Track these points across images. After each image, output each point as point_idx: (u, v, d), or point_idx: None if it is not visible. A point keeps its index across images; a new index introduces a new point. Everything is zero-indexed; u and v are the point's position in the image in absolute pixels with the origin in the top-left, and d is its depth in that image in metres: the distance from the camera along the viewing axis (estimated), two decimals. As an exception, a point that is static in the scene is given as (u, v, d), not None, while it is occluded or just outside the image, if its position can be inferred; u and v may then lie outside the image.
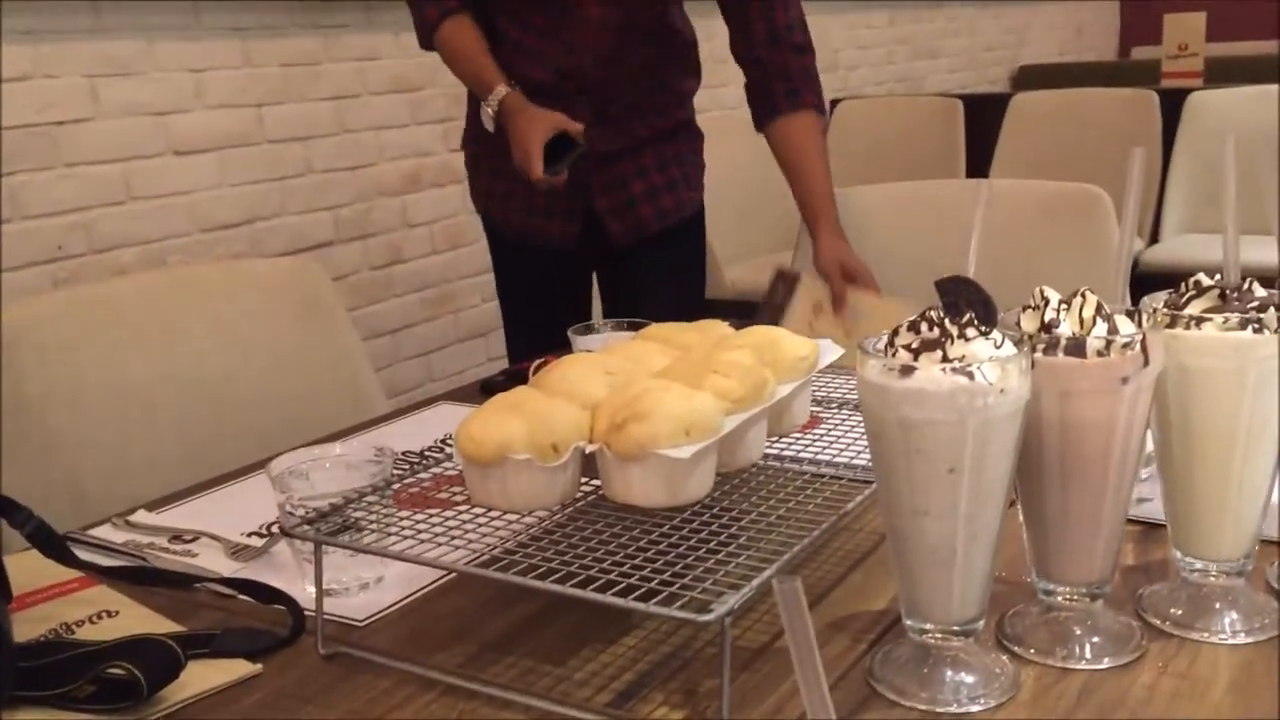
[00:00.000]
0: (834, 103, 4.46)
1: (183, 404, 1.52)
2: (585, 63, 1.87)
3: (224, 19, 2.58)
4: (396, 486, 0.96)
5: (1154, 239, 3.80)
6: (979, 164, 4.08)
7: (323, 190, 2.82)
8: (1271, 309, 0.79)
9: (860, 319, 1.71)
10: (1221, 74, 4.31)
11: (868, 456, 0.80)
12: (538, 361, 1.53)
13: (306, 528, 0.87)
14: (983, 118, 4.14)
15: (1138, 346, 0.76)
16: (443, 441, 1.35)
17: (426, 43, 1.99)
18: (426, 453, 1.31)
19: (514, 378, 1.54)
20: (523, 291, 2.09)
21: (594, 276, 2.12)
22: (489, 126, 1.87)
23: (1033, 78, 5.69)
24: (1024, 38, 6.05)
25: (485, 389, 1.54)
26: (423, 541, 0.84)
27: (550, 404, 0.87)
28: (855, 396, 1.19)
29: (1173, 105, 3.85)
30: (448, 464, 1.00)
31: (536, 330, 1.99)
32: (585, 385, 0.91)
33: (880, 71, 4.93)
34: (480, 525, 0.88)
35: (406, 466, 1.24)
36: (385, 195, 2.97)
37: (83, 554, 1.05)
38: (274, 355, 1.63)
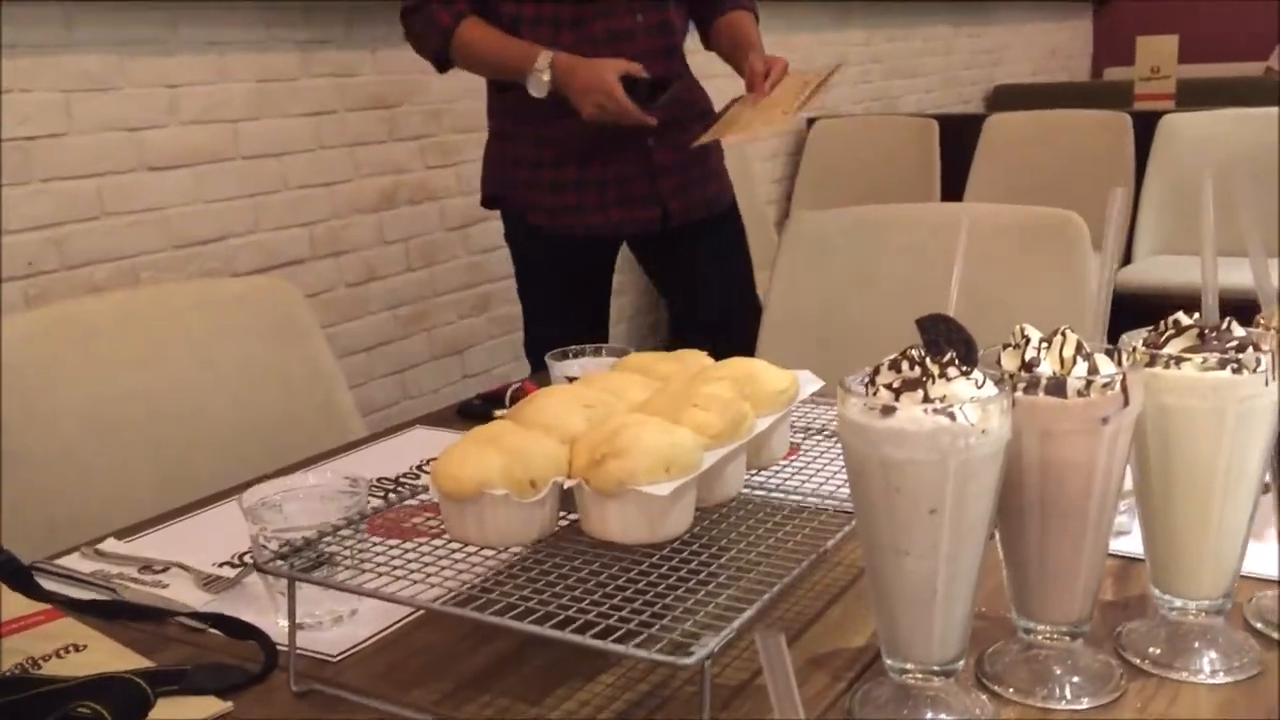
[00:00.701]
0: (810, 121, 4.48)
1: (155, 424, 1.50)
2: (637, 26, 2.03)
3: (200, 34, 2.56)
4: (371, 515, 0.95)
5: (1126, 260, 3.83)
6: (954, 184, 4.11)
7: (297, 207, 2.80)
8: (1250, 348, 0.80)
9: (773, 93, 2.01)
10: (1194, 96, 4.35)
11: (846, 486, 0.79)
12: (514, 385, 1.54)
13: (280, 563, 0.86)
14: (958, 138, 4.16)
15: (1118, 386, 0.76)
16: (418, 468, 1.33)
17: (442, 52, 2.06)
18: (402, 479, 1.30)
19: (491, 401, 1.53)
20: (559, 290, 2.21)
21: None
22: (540, 92, 1.97)
23: (1007, 98, 5.72)
24: (999, 58, 6.09)
25: (462, 413, 1.53)
26: (398, 579, 0.83)
27: (528, 439, 0.86)
28: (834, 424, 1.19)
29: (1146, 127, 3.89)
30: (423, 495, 0.98)
31: (568, 324, 2.15)
32: (563, 418, 0.90)
33: (857, 91, 4.95)
34: (456, 559, 0.87)
35: (381, 494, 1.24)
36: (361, 212, 2.95)
37: (50, 585, 1.04)
38: (248, 374, 1.61)
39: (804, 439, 1.16)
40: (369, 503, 0.98)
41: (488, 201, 2.27)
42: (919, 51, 5.40)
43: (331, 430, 1.61)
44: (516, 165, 2.15)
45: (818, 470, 1.04)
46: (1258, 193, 3.32)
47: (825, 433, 1.20)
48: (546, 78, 1.96)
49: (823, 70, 2.07)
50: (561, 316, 2.19)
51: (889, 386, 0.74)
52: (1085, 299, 1.77)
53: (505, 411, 1.46)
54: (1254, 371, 0.79)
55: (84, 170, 2.38)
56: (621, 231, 2.16)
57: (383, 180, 3.00)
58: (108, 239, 2.42)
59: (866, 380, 0.76)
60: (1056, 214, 1.88)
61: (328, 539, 0.89)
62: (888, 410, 0.72)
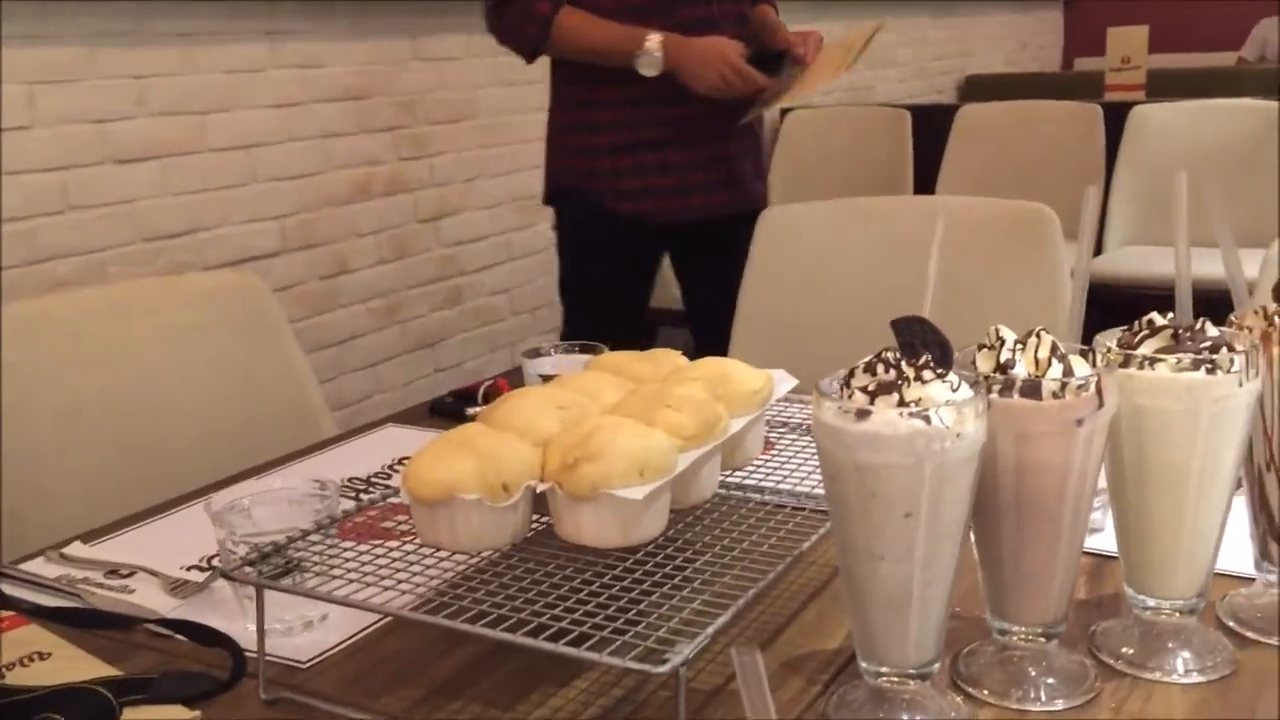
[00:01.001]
0: (783, 113, 4.47)
1: (122, 422, 1.48)
2: (716, 16, 2.10)
3: (167, 25, 2.52)
4: (342, 518, 0.94)
5: (1098, 250, 3.84)
6: (926, 174, 4.11)
7: (268, 199, 2.78)
8: (1224, 349, 0.79)
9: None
10: (1164, 87, 4.37)
11: (819, 480, 0.79)
12: (487, 383, 1.52)
13: (248, 570, 0.85)
14: (930, 128, 4.16)
15: (1092, 388, 0.76)
16: (389, 467, 1.32)
17: (541, 40, 2.09)
18: (373, 479, 1.29)
19: (463, 399, 1.52)
20: (617, 284, 2.24)
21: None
22: (652, 70, 2.05)
23: (979, 89, 5.74)
24: (970, 48, 6.11)
25: (434, 411, 1.52)
26: (368, 585, 0.82)
27: (500, 442, 0.85)
28: (808, 420, 1.19)
29: (1117, 117, 3.90)
30: (394, 497, 0.97)
31: (621, 319, 2.17)
32: (536, 421, 0.89)
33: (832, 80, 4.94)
34: (427, 564, 0.86)
35: (352, 494, 1.22)
36: (332, 204, 2.93)
37: (13, 590, 1.02)
38: (216, 371, 1.59)
39: (778, 436, 1.16)
40: (339, 505, 0.97)
41: (553, 195, 2.29)
42: (891, 42, 5.40)
43: (302, 427, 1.60)
44: (595, 153, 2.16)
45: (794, 469, 1.04)
46: (1229, 186, 3.34)
47: (800, 429, 1.19)
48: (659, 54, 2.02)
49: (865, 31, 2.15)
50: (618, 311, 2.22)
51: (864, 389, 0.73)
52: (1058, 290, 1.77)
53: (478, 409, 1.46)
54: (1228, 372, 0.79)
55: (49, 164, 2.34)
56: (696, 216, 2.19)
57: (354, 172, 2.98)
58: (74, 233, 2.39)
59: (841, 383, 0.75)
60: (1029, 207, 1.89)
61: (296, 544, 0.88)
62: (863, 414, 0.72)
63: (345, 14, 2.89)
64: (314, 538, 0.89)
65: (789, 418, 1.21)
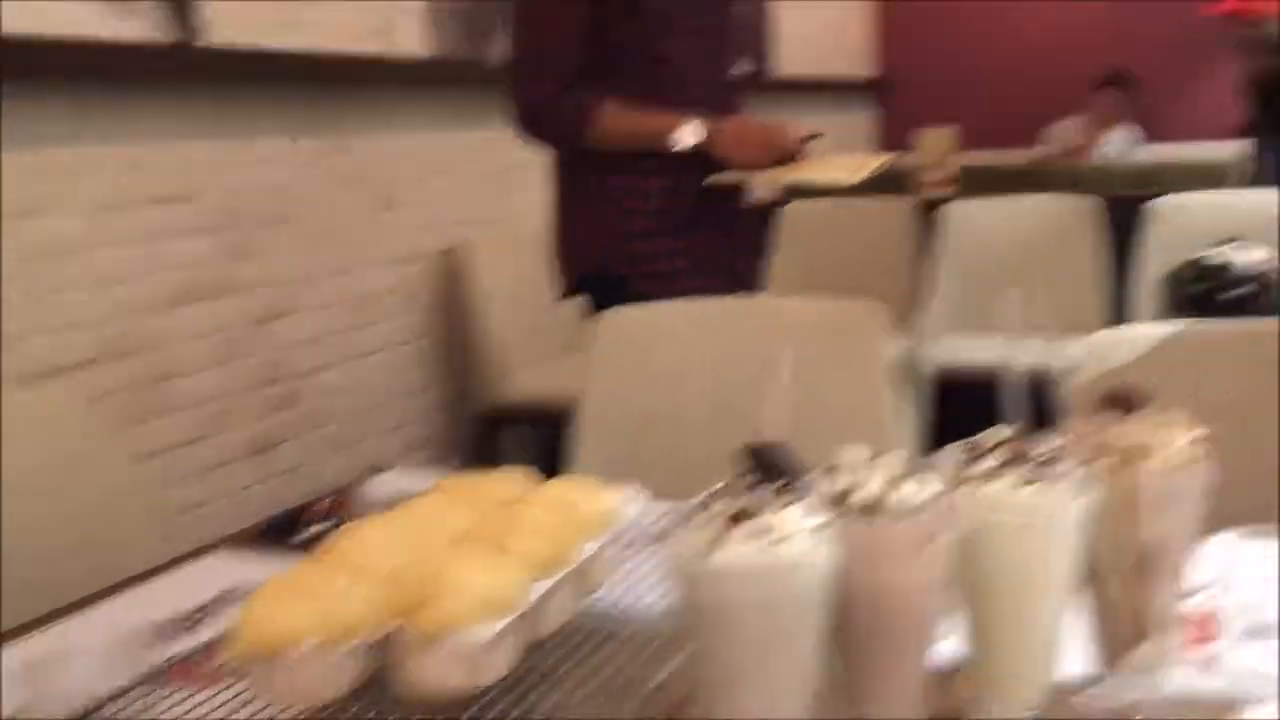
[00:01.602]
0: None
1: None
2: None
3: (-29, 126, 2.40)
4: (167, 667, 0.88)
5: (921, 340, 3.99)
6: (757, 268, 4.21)
7: (82, 307, 2.65)
8: (1058, 464, 0.82)
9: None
10: (976, 183, 4.60)
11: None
12: (325, 501, 1.47)
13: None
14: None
15: (939, 508, 0.77)
16: (219, 598, 1.24)
17: (581, 125, 2.16)
18: (201, 612, 1.21)
19: (294, 519, 1.45)
20: None
21: None
22: (692, 141, 2.17)
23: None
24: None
25: (267, 533, 1.45)
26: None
27: (342, 583, 0.81)
28: (657, 532, 1.18)
29: (932, 212, 4.11)
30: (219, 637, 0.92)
31: None
32: (379, 557, 0.85)
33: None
34: (260, 717, 0.81)
35: (185, 627, 1.15)
36: (154, 310, 2.81)
37: None
38: (29, 501, 1.49)
39: (631, 550, 1.14)
40: (166, 650, 0.91)
41: (578, 285, 2.30)
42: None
43: (126, 551, 1.50)
44: (629, 238, 2.23)
45: (645, 591, 1.02)
46: (1040, 276, 3.54)
47: (652, 545, 1.17)
48: (706, 129, 2.16)
49: (882, 160, 2.40)
50: None
51: (718, 519, 0.72)
52: (884, 382, 1.81)
53: (312, 531, 1.40)
54: (1063, 486, 0.81)
55: None
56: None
57: (179, 275, 2.87)
58: None
59: (696, 511, 0.74)
60: (857, 305, 1.94)
61: (116, 703, 0.81)
62: (715, 546, 0.71)
63: (162, 116, 2.81)
64: (136, 692, 0.83)
65: (639, 530, 1.19)
